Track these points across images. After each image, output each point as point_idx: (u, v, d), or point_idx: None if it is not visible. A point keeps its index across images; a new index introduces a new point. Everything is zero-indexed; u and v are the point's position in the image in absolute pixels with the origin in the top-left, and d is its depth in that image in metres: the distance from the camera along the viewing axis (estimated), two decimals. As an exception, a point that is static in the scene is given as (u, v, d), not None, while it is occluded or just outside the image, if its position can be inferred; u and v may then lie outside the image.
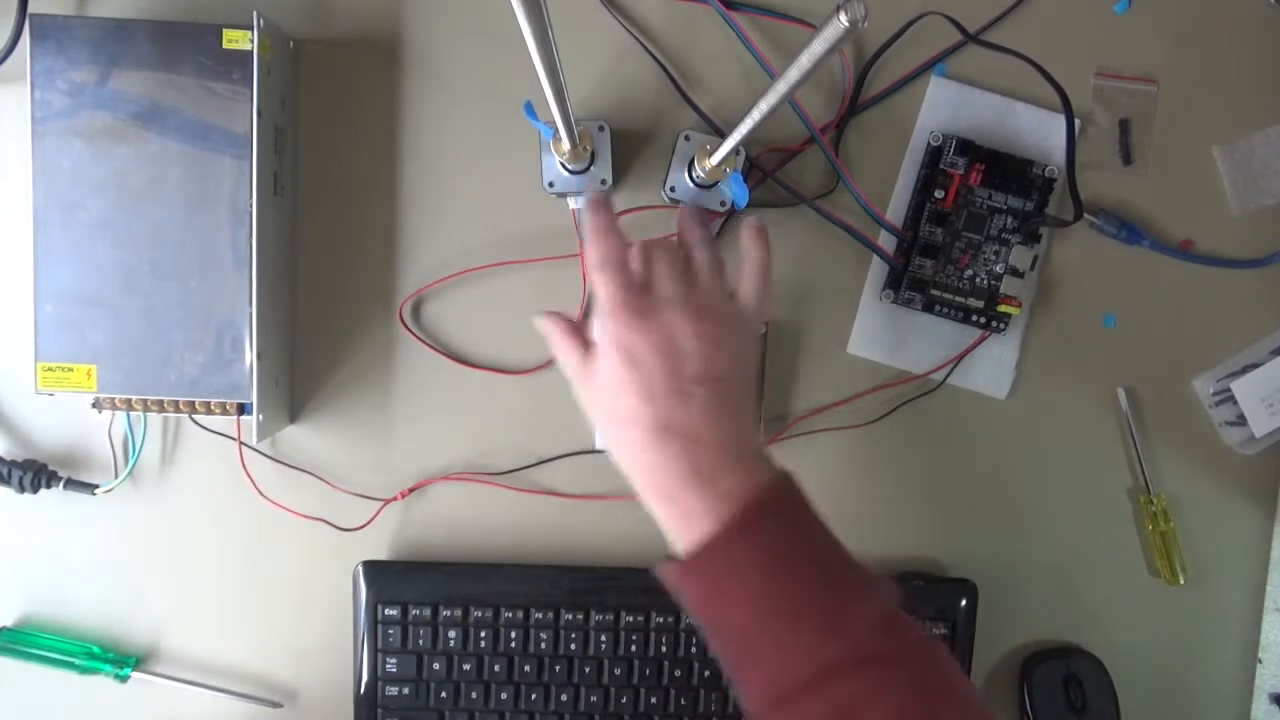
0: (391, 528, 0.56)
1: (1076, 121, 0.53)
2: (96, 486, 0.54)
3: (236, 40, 0.48)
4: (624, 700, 0.55)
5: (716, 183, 0.52)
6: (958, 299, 0.55)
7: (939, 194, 0.55)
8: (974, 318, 0.55)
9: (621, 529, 0.56)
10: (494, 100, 0.54)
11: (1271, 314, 0.57)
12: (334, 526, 0.55)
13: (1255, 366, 0.56)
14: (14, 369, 0.54)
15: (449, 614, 0.54)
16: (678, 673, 0.55)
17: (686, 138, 0.53)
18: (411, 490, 0.56)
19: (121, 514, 0.55)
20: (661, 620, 0.55)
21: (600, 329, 0.41)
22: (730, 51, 0.55)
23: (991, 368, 0.57)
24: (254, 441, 0.51)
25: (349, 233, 0.55)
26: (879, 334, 0.56)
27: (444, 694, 0.54)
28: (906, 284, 0.55)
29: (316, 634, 0.56)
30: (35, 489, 0.53)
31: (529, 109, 0.49)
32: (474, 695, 0.54)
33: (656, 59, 0.55)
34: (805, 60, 0.32)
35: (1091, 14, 0.56)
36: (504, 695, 0.54)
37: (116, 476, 0.54)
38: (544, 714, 0.55)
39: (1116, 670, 0.57)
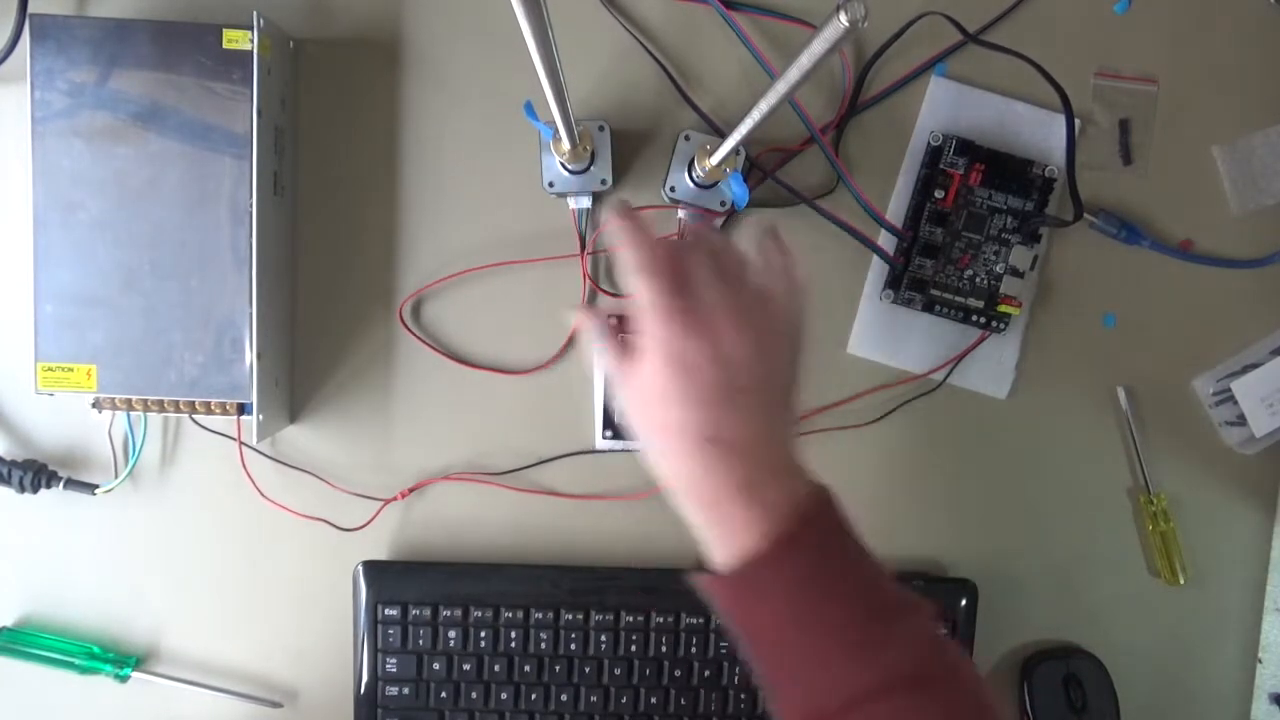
0: (391, 528, 0.56)
1: (1076, 121, 0.53)
2: (96, 486, 0.54)
3: (236, 40, 0.48)
4: (624, 700, 0.55)
5: (716, 183, 0.52)
6: (958, 299, 0.55)
7: (939, 194, 0.55)
8: (974, 318, 0.55)
9: (621, 529, 0.56)
10: (494, 100, 0.54)
11: (1271, 314, 0.57)
12: (334, 526, 0.55)
13: (1255, 366, 0.56)
14: (14, 369, 0.54)
15: (449, 614, 0.54)
16: (678, 673, 0.55)
17: (686, 138, 0.53)
18: (411, 490, 0.56)
19: (121, 514, 0.55)
20: (661, 620, 0.55)
21: (646, 333, 0.39)
22: (730, 51, 0.55)
23: (991, 368, 0.57)
24: (254, 441, 0.51)
25: (349, 233, 0.55)
26: (879, 334, 0.56)
27: (444, 694, 0.54)
28: (906, 284, 0.55)
29: (316, 634, 0.56)
30: (35, 489, 0.53)
31: (529, 109, 0.49)
32: (474, 695, 0.54)
33: (656, 59, 0.55)
34: (805, 60, 0.32)
35: (1091, 14, 0.56)
36: (504, 695, 0.54)
37: (116, 476, 0.54)
38: (544, 714, 0.55)
39: (1116, 670, 0.57)
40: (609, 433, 0.55)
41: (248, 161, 0.48)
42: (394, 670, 0.54)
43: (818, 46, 0.31)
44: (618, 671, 0.55)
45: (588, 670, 0.54)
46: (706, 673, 0.55)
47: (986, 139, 0.55)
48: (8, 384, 0.55)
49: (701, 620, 0.55)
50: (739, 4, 0.54)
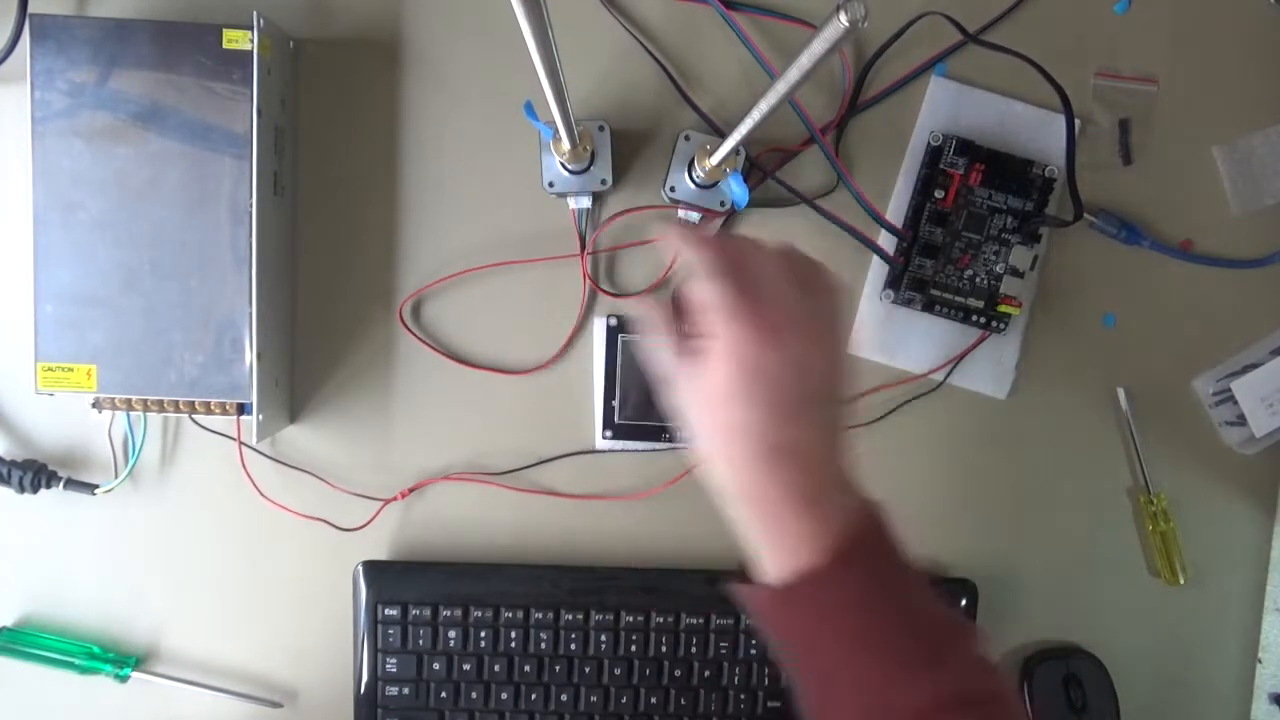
0: (391, 528, 0.56)
1: (1076, 121, 0.53)
2: (96, 486, 0.54)
3: (236, 40, 0.48)
4: (624, 700, 0.55)
5: (716, 183, 0.52)
6: (958, 299, 0.55)
7: (939, 194, 0.55)
8: (974, 318, 0.55)
9: (621, 529, 0.56)
10: (494, 100, 0.54)
11: (1271, 314, 0.57)
12: (334, 526, 0.55)
13: (1255, 366, 0.56)
14: (14, 369, 0.54)
15: (449, 614, 0.54)
16: (678, 673, 0.55)
17: (686, 138, 0.53)
18: (411, 490, 0.56)
19: (121, 514, 0.55)
20: (661, 620, 0.55)
21: (715, 333, 0.38)
22: (730, 51, 0.55)
23: (991, 368, 0.57)
24: (254, 441, 0.51)
25: (349, 233, 0.55)
26: (879, 334, 0.56)
27: (444, 694, 0.54)
28: (906, 284, 0.55)
29: (316, 634, 0.56)
30: (35, 489, 0.53)
31: (529, 109, 0.49)
32: (474, 695, 0.54)
33: (656, 59, 0.55)
34: (805, 60, 0.32)
35: (1091, 14, 0.56)
36: (504, 695, 0.54)
37: (116, 476, 0.54)
38: (544, 714, 0.55)
39: (1116, 670, 0.57)
40: (609, 433, 0.55)
41: (248, 161, 0.48)
42: (394, 670, 0.54)
43: (818, 46, 0.31)
44: (618, 671, 0.55)
45: (588, 670, 0.54)
46: (706, 673, 0.55)
47: (986, 139, 0.55)
48: (8, 384, 0.55)
49: (701, 620, 0.55)
50: (739, 4, 0.54)
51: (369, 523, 0.55)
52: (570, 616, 0.54)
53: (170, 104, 0.48)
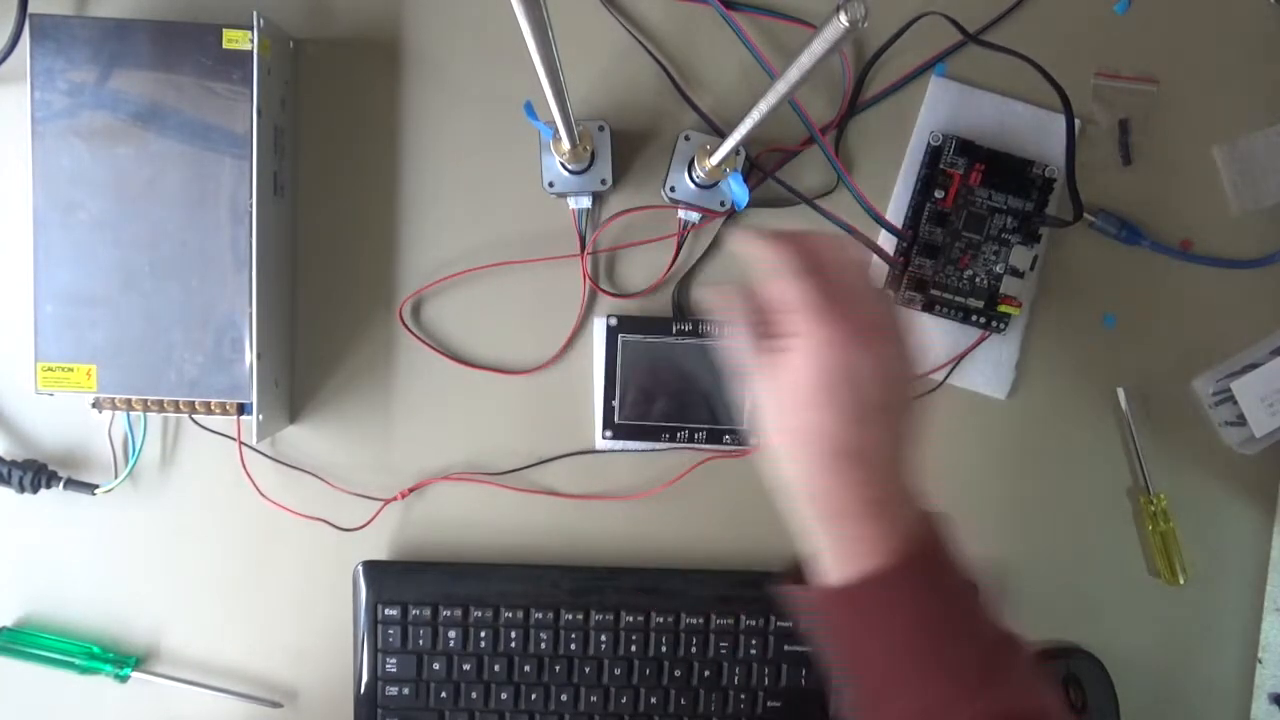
0: (391, 528, 0.56)
1: (1076, 121, 0.53)
2: (96, 486, 0.54)
3: (236, 40, 0.48)
4: (624, 700, 0.55)
5: (716, 183, 0.52)
6: (958, 299, 0.55)
7: (939, 194, 0.55)
8: (974, 318, 0.55)
9: (621, 529, 0.56)
10: (494, 100, 0.54)
11: (1271, 314, 0.57)
12: (334, 526, 0.55)
13: (1255, 366, 0.56)
14: (14, 369, 0.54)
15: (449, 614, 0.54)
16: (678, 673, 0.55)
17: (686, 138, 0.53)
18: (411, 490, 0.56)
19: (121, 514, 0.55)
20: (661, 620, 0.55)
21: (800, 333, 0.37)
22: (730, 51, 0.55)
23: (991, 368, 0.57)
24: (254, 441, 0.51)
25: (349, 233, 0.55)
26: (879, 334, 0.56)
27: (444, 694, 0.54)
28: (906, 284, 0.55)
29: (316, 634, 0.56)
30: (35, 489, 0.53)
31: (529, 109, 0.49)
32: (474, 695, 0.54)
33: (656, 59, 0.55)
34: (805, 60, 0.32)
35: (1091, 14, 0.56)
36: (504, 695, 0.54)
37: (116, 476, 0.54)
38: (544, 714, 0.55)
39: (1116, 670, 0.57)
40: (609, 433, 0.55)
41: (248, 161, 0.48)
42: (394, 670, 0.54)
43: (818, 46, 0.31)
44: (618, 671, 0.55)
45: (588, 670, 0.54)
46: (706, 673, 0.55)
47: (986, 139, 0.55)
48: (8, 384, 0.55)
49: (701, 620, 0.55)
50: (739, 4, 0.54)
51: (369, 523, 0.55)
52: (570, 616, 0.54)
53: (170, 104, 0.48)
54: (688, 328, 0.55)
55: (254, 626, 0.56)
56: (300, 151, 0.55)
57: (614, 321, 0.55)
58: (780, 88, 0.36)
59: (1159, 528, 0.57)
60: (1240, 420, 0.56)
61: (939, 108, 0.55)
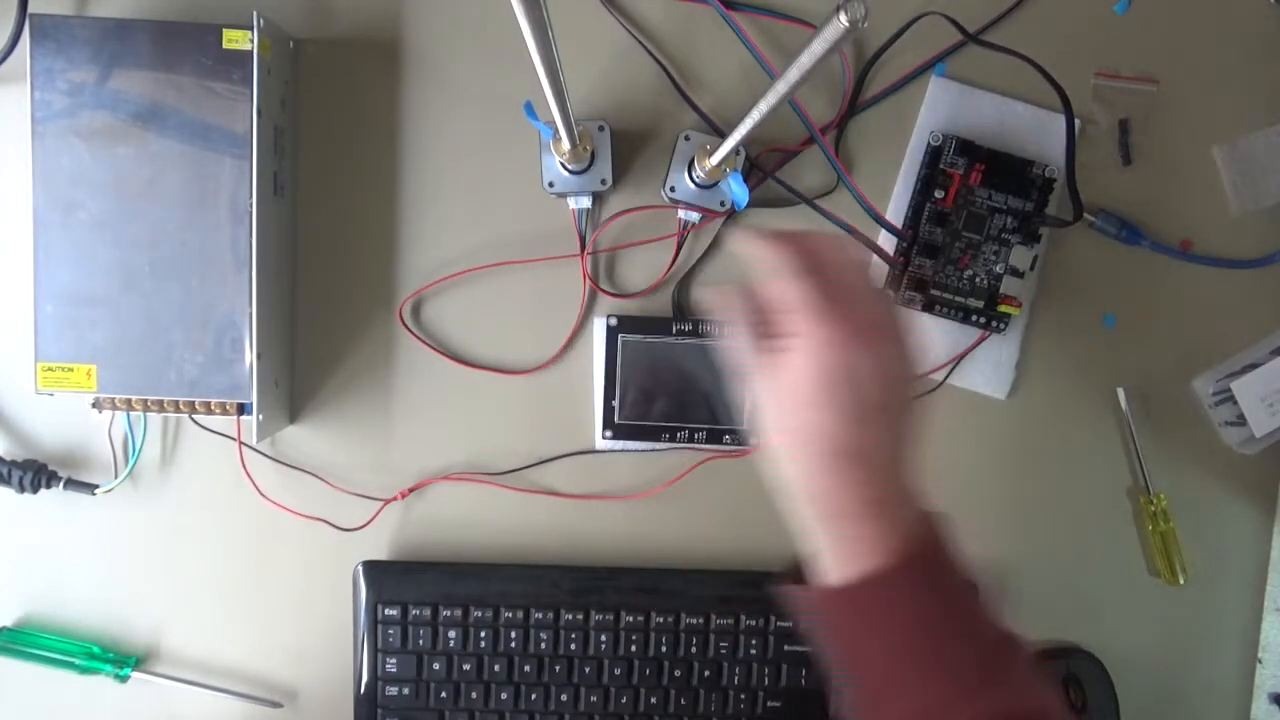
0: (391, 528, 0.56)
1: (1076, 121, 0.53)
2: (96, 486, 0.54)
3: (236, 40, 0.48)
4: (624, 700, 0.55)
5: (716, 183, 0.52)
6: (958, 299, 0.55)
7: (939, 194, 0.55)
8: (974, 318, 0.55)
9: (621, 529, 0.56)
10: (494, 100, 0.54)
11: (1271, 314, 0.57)
12: (334, 526, 0.55)
13: (1255, 366, 0.56)
14: (14, 369, 0.54)
15: (449, 614, 0.54)
16: (678, 673, 0.55)
17: (686, 138, 0.53)
18: (411, 490, 0.56)
19: (121, 514, 0.55)
20: (661, 620, 0.55)
21: (801, 333, 0.37)
22: (730, 51, 0.55)
23: (991, 368, 0.57)
24: (254, 441, 0.51)
25: (349, 233, 0.55)
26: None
27: (444, 694, 0.54)
28: (906, 284, 0.55)
29: (316, 634, 0.56)
30: (35, 489, 0.53)
31: (529, 109, 0.49)
32: (474, 695, 0.54)
33: (656, 59, 0.55)
34: (805, 60, 0.32)
35: (1091, 14, 0.56)
36: (504, 695, 0.54)
37: (116, 476, 0.54)
38: (544, 714, 0.55)
39: (1116, 670, 0.57)
40: (609, 433, 0.55)
41: (248, 161, 0.48)
42: (394, 670, 0.54)
43: (818, 46, 0.31)
44: (618, 671, 0.55)
45: (588, 670, 0.54)
46: (706, 673, 0.55)
47: (986, 139, 0.55)
48: (8, 384, 0.55)
49: (701, 620, 0.55)
50: (739, 4, 0.55)
51: (369, 523, 0.55)
52: (570, 616, 0.54)
53: (170, 104, 0.48)
54: (688, 328, 0.55)
55: (254, 626, 0.56)
56: (300, 151, 0.55)
57: (614, 321, 0.55)
58: (780, 88, 0.36)
59: (1159, 528, 0.57)
60: (1240, 420, 0.57)
61: (939, 108, 0.55)
